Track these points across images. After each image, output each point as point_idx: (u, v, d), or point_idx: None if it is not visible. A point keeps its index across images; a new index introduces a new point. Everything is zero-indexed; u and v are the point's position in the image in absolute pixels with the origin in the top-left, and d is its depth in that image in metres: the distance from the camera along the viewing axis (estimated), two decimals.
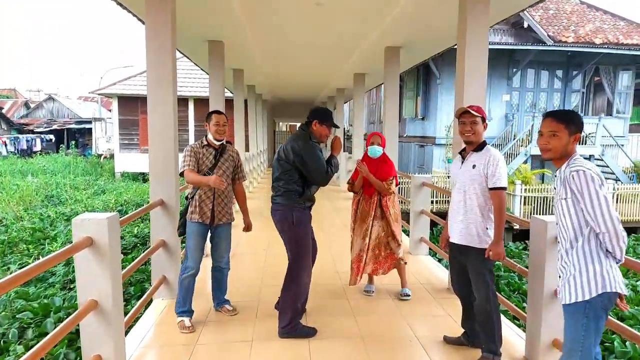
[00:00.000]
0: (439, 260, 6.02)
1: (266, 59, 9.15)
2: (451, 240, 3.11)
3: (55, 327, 5.43)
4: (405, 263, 4.19)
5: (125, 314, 3.36)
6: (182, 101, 20.03)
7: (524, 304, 6.59)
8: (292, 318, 3.37)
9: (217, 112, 3.58)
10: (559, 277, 2.24)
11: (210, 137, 3.55)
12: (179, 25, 5.81)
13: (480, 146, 2.95)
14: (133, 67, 33.16)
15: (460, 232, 3.00)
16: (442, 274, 4.99)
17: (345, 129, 25.41)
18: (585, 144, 14.96)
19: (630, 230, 11.50)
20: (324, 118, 3.38)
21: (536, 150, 14.17)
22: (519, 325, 3.96)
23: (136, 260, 3.65)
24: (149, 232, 5.40)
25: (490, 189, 2.86)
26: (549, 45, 14.97)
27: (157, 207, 4.02)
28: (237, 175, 3.75)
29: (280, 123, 42.33)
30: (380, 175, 4.00)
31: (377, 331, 3.56)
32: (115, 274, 2.71)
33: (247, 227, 3.95)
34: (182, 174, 3.47)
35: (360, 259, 4.08)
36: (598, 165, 15.37)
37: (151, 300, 4.09)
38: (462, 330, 3.31)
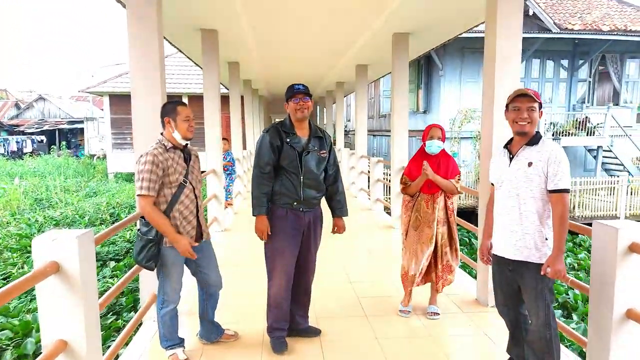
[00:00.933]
0: (462, 267, 5.51)
1: (263, 51, 8.59)
2: (499, 253, 2.58)
3: (36, 348, 4.99)
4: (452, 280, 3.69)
5: (115, 332, 2.81)
6: (176, 97, 19.42)
7: (578, 324, 6.11)
8: (268, 329, 3.18)
9: (182, 103, 2.80)
10: None
11: (176, 136, 2.73)
12: (167, 11, 5.29)
13: (535, 138, 2.42)
14: (125, 65, 32.45)
15: (514, 244, 2.46)
16: (467, 282, 4.47)
17: (344, 124, 24.89)
18: (593, 134, 14.48)
19: None
20: (285, 96, 3.07)
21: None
22: (579, 354, 3.45)
23: (120, 282, 3.09)
24: None
25: (551, 191, 2.33)
26: (555, 33, 14.45)
27: None
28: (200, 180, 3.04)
29: (277, 119, 41.74)
30: (444, 174, 3.46)
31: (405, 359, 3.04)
32: (90, 307, 2.17)
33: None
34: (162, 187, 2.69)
35: (421, 271, 3.53)
36: (605, 157, 14.92)
37: (141, 323, 3.56)
38: (507, 357, 2.80)
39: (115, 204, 12.86)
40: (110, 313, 5.93)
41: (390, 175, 7.23)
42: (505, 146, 2.56)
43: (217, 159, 6.70)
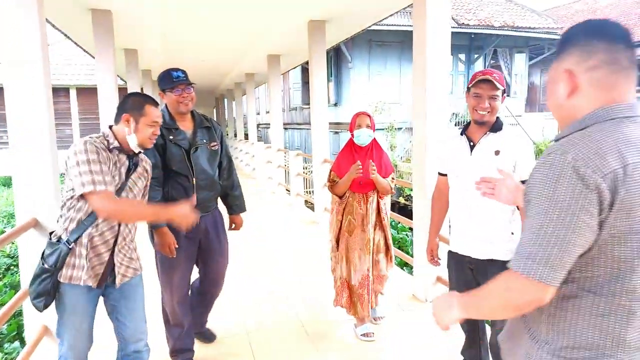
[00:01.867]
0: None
1: (166, 37, 7.79)
2: (458, 251, 2.34)
3: None
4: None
5: None
6: (62, 90, 17.42)
7: None
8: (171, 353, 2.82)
9: (152, 101, 2.12)
10: None
11: (131, 140, 2.05)
12: None
13: (498, 125, 2.21)
14: None
15: (479, 242, 2.23)
16: (402, 278, 4.33)
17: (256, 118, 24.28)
18: None
19: None
20: (161, 85, 2.60)
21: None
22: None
23: None
24: None
25: (525, 181, 2.15)
26: (453, 27, 15.20)
27: (29, 229, 2.77)
28: (144, 196, 2.30)
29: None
30: (378, 170, 2.98)
31: None
32: None
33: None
34: (83, 196, 1.94)
35: (367, 282, 3.05)
36: None
37: None
38: (461, 358, 2.62)
39: None
40: None
41: (311, 168, 6.95)
42: (463, 132, 2.31)
43: None
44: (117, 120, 2.11)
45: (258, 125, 24.96)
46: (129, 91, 8.90)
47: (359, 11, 6.14)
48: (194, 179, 2.58)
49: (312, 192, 7.12)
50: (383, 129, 15.27)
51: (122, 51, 8.42)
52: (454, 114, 15.57)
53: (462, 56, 16.80)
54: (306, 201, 8.18)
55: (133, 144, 2.07)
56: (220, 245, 2.81)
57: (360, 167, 2.90)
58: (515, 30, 15.95)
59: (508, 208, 2.17)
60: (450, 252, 2.44)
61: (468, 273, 2.33)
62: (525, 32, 16.14)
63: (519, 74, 17.61)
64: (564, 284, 1.03)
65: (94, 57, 6.20)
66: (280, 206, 8.39)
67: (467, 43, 16.39)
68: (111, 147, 2.05)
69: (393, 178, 3.07)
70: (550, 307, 1.07)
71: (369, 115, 3.06)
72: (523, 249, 1.01)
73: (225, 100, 23.55)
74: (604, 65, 1.02)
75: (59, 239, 2.01)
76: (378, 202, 3.05)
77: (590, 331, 1.03)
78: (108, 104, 5.80)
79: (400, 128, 15.30)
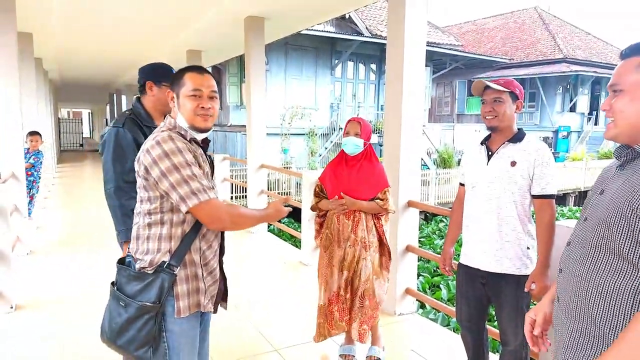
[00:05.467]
0: None
1: (68, 20, 6.78)
2: (470, 264, 2.23)
3: None
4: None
5: None
6: None
7: None
8: None
9: (198, 68, 1.66)
10: None
11: (181, 121, 1.62)
12: None
13: (519, 135, 2.13)
14: None
15: (492, 254, 2.13)
16: None
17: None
18: None
19: None
20: (159, 76, 2.23)
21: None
22: None
23: None
24: None
25: (537, 196, 2.07)
26: (367, 37, 15.65)
27: None
28: None
29: (63, 109, 35.91)
30: (364, 185, 2.65)
31: None
32: None
33: None
34: (189, 212, 1.51)
35: (337, 300, 2.68)
36: None
37: None
38: None
39: None
40: None
41: (245, 174, 6.50)
42: (483, 142, 2.22)
43: (17, 158, 4.94)
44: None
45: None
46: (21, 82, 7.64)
47: (300, 10, 5.90)
48: None
49: (245, 197, 6.67)
50: (304, 134, 15.20)
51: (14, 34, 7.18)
52: (369, 121, 15.98)
53: (374, 66, 17.37)
54: None
55: (185, 126, 1.61)
56: None
57: (344, 203, 2.62)
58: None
59: (523, 221, 2.11)
60: (460, 265, 2.33)
61: (479, 287, 2.23)
62: (431, 47, 17.17)
63: (424, 86, 18.71)
64: None
65: None
66: None
67: (378, 53, 16.99)
68: (189, 138, 1.60)
69: (386, 192, 2.69)
70: None
71: (360, 122, 2.70)
72: None
73: (124, 96, 21.62)
74: None
75: (159, 267, 1.51)
76: (374, 222, 2.70)
77: None
78: (8, 91, 4.84)
79: (317, 134, 15.30)
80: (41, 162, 6.46)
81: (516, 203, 2.09)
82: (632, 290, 1.07)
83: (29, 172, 5.98)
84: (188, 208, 1.48)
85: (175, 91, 1.64)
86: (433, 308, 5.93)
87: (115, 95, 22.30)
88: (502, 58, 21.36)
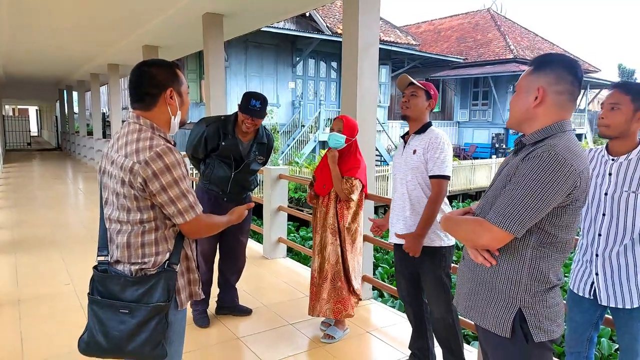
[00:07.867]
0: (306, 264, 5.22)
1: (14, 11, 6.51)
2: (396, 242, 2.52)
3: None
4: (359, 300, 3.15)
5: None
6: None
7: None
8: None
9: (176, 64, 1.70)
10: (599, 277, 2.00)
11: (175, 124, 1.68)
12: None
13: (423, 127, 2.44)
14: None
15: (409, 231, 2.41)
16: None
17: (106, 114, 22.11)
18: None
19: None
20: (241, 103, 2.95)
21: (324, 137, 14.82)
22: None
23: None
24: None
25: (430, 177, 2.36)
26: (328, 35, 15.77)
27: None
28: None
29: (7, 106, 34.11)
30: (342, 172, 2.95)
31: None
32: None
33: None
34: (188, 225, 1.59)
35: (312, 282, 3.07)
36: None
37: None
38: (409, 352, 2.72)
39: None
40: None
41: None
42: (403, 137, 2.58)
43: None
44: (144, 101, 1.59)
45: (123, 121, 22.69)
46: None
47: (258, 9, 5.91)
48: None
49: None
50: None
51: None
52: (328, 119, 16.11)
53: (335, 64, 17.53)
54: None
55: (176, 126, 1.66)
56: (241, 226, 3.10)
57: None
58: (380, 44, 17.20)
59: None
60: (394, 245, 2.59)
61: (410, 264, 2.49)
62: (389, 46, 17.51)
63: (383, 84, 19.05)
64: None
65: None
66: None
67: (339, 52, 17.12)
68: (172, 141, 1.60)
69: (351, 183, 2.86)
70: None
71: (343, 118, 2.98)
72: (502, 208, 1.34)
73: (75, 92, 20.78)
74: (566, 93, 1.41)
75: (162, 268, 1.55)
76: (336, 208, 2.93)
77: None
78: None
79: (278, 131, 15.30)
80: None
81: (421, 185, 2.40)
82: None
83: None
84: (185, 222, 1.55)
85: (176, 89, 1.62)
86: (391, 296, 6.13)
87: (65, 91, 21.28)
88: (457, 58, 22.02)
